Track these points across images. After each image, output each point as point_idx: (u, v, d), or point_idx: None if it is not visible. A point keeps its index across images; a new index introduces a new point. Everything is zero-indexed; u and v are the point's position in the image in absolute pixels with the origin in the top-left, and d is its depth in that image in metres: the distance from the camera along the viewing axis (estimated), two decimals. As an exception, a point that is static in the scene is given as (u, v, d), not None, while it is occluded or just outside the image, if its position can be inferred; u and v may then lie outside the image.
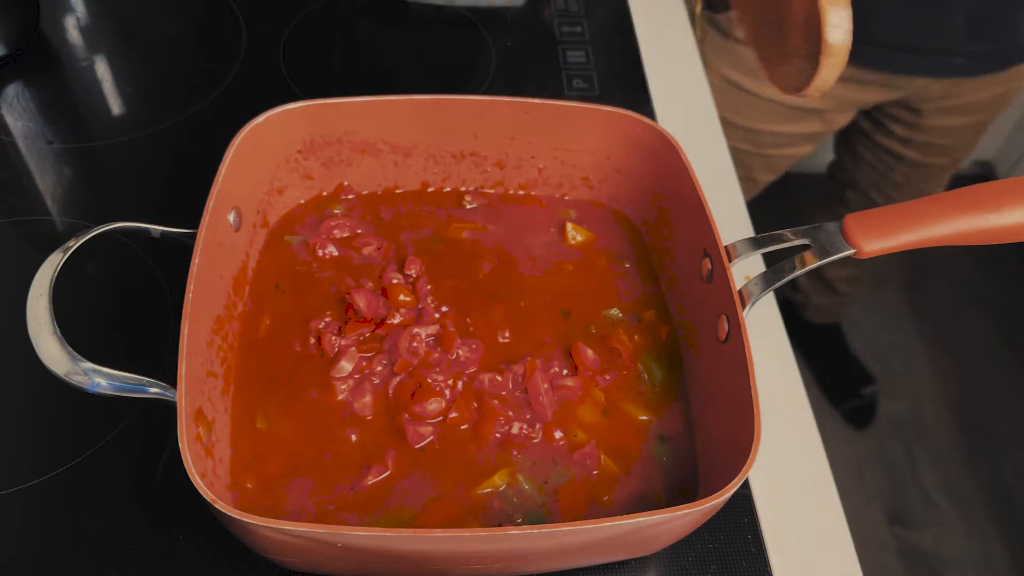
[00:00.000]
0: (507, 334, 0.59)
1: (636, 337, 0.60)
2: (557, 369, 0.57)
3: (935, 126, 1.12)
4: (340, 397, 0.55)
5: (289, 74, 0.82)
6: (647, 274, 0.64)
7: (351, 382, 0.55)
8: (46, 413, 0.57)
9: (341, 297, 0.59)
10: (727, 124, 1.10)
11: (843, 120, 1.15)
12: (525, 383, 0.56)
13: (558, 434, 0.54)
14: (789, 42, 0.66)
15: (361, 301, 0.58)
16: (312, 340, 0.57)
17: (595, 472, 0.53)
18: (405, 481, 0.52)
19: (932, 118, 1.11)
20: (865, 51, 0.97)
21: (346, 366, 0.55)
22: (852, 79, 1.02)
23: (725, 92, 1.08)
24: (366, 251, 0.62)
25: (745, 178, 1.21)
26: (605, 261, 0.64)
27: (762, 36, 0.72)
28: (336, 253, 0.62)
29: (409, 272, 0.61)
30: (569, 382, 0.56)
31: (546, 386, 0.55)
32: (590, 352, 0.58)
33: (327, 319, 0.58)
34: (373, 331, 0.57)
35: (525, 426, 0.54)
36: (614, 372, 0.58)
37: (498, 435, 0.54)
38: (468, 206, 0.66)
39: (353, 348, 0.56)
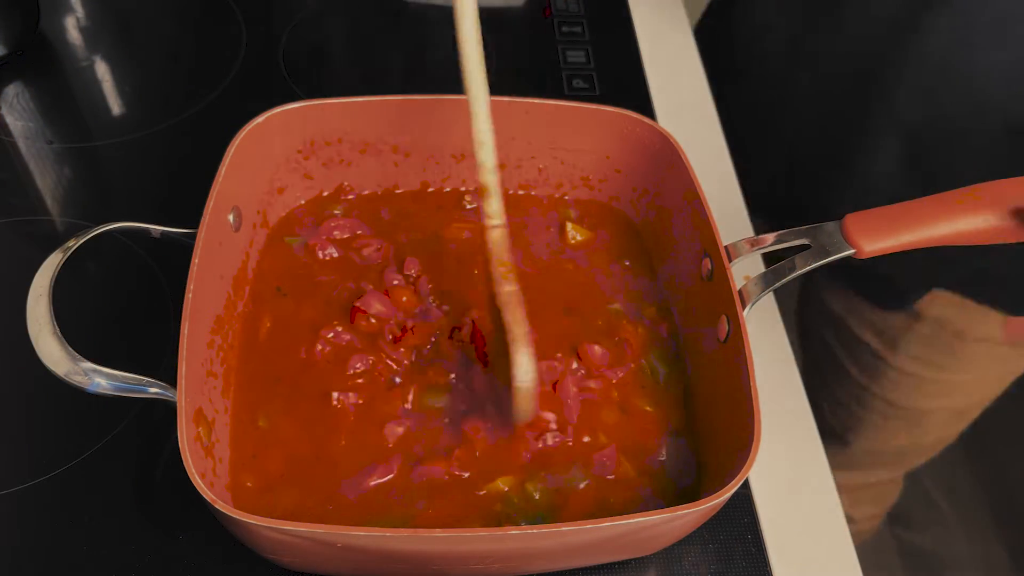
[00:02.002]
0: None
1: (639, 331, 0.59)
2: (574, 367, 0.57)
3: None
4: (342, 398, 0.54)
5: (289, 74, 0.82)
6: (647, 274, 0.64)
7: (354, 384, 0.55)
8: (46, 413, 0.57)
9: (342, 299, 0.59)
10: None
11: None
12: (554, 389, 0.55)
13: (567, 436, 0.54)
14: None
15: (366, 306, 0.57)
16: (319, 347, 0.56)
17: (611, 477, 0.53)
18: (406, 482, 0.52)
19: None
20: None
21: (350, 368, 0.55)
22: None
23: None
24: (366, 252, 0.62)
25: None
26: (605, 261, 0.64)
27: None
28: (336, 254, 0.62)
29: (409, 272, 0.60)
30: (591, 384, 0.56)
31: (575, 389, 0.55)
32: (597, 348, 0.57)
33: (337, 328, 0.57)
34: (378, 333, 0.57)
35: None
36: (622, 367, 0.57)
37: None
38: (468, 206, 0.66)
39: (356, 351, 0.56)
